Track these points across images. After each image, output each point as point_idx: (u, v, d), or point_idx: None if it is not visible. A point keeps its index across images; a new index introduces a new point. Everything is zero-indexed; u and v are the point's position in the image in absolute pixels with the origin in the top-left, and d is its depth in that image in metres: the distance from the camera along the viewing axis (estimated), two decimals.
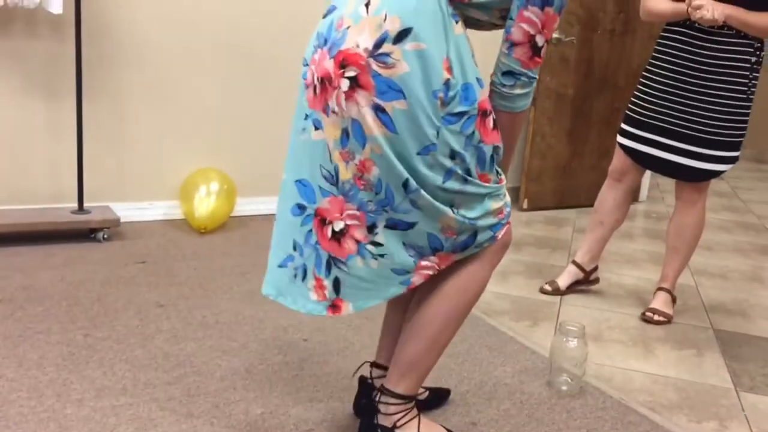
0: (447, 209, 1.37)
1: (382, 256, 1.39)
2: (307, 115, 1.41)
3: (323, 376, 1.93)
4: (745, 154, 6.52)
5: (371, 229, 1.38)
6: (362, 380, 1.72)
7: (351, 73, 1.30)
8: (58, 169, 3.05)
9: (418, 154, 1.32)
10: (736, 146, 2.43)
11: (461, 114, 1.34)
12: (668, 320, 2.53)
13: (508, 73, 1.36)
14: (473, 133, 1.36)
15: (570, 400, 1.91)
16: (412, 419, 1.54)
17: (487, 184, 1.41)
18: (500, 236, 1.47)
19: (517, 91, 1.37)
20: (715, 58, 2.33)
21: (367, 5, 1.31)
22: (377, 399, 1.55)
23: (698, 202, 2.53)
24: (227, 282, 2.58)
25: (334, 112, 1.34)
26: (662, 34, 2.47)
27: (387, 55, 1.27)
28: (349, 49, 1.30)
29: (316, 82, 1.37)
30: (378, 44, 1.28)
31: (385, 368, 1.65)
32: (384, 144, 1.31)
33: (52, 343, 2.00)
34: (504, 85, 1.37)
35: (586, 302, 2.69)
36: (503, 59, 1.36)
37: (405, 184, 1.33)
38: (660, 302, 2.58)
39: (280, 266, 1.51)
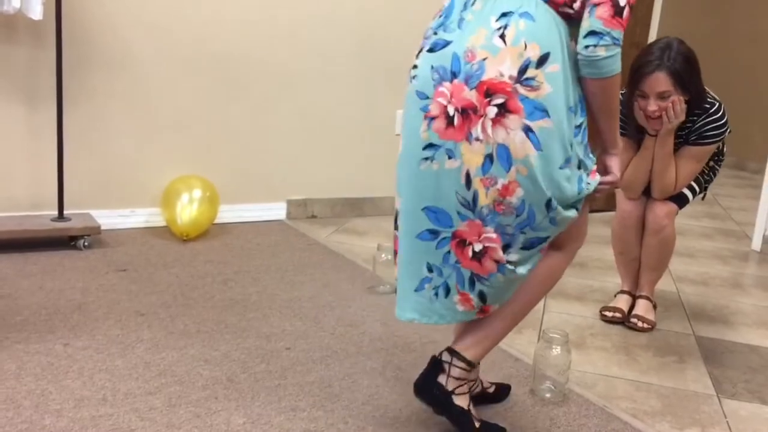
0: (575, 213, 1.52)
1: (517, 270, 1.53)
2: (432, 145, 1.48)
3: (306, 385, 1.91)
4: (726, 161, 6.60)
5: (505, 248, 1.50)
6: (434, 359, 1.69)
7: (498, 101, 1.39)
8: (38, 176, 3.02)
9: (560, 168, 1.44)
10: (710, 176, 2.63)
11: (580, 125, 1.48)
12: (651, 327, 2.54)
13: (591, 34, 1.40)
14: (587, 144, 1.52)
15: (553, 407, 1.91)
16: (467, 392, 1.64)
17: (595, 178, 1.55)
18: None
19: (601, 53, 1.40)
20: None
21: (502, 37, 1.40)
22: (446, 360, 1.62)
23: (670, 223, 2.55)
24: (209, 290, 2.56)
25: (478, 139, 1.42)
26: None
27: (532, 79, 1.39)
28: (492, 78, 1.39)
29: (451, 113, 1.44)
30: (522, 70, 1.39)
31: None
32: (532, 163, 1.41)
33: (30, 353, 1.97)
34: (587, 47, 1.41)
35: (569, 309, 2.70)
36: (585, 22, 1.41)
37: (548, 204, 1.46)
38: (642, 309, 2.59)
39: (417, 290, 1.60)
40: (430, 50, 1.50)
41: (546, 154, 1.41)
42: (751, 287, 3.18)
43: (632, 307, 2.64)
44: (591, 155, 1.55)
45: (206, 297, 2.49)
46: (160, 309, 2.35)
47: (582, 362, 2.23)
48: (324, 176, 3.74)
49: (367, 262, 2.97)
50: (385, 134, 3.85)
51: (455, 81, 1.43)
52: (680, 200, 2.56)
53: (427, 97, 1.49)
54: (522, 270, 1.55)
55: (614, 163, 1.62)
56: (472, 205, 1.47)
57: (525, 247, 1.51)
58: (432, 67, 1.48)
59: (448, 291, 1.57)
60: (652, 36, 4.49)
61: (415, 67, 1.55)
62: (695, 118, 2.39)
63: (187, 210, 3.07)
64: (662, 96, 2.28)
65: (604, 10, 1.39)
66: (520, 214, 1.46)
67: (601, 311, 2.62)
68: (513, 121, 1.39)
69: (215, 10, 3.27)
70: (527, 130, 1.39)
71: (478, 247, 1.50)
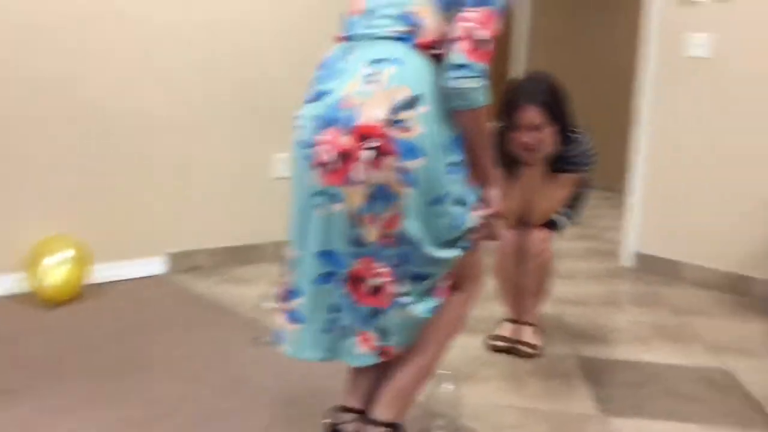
0: (458, 252, 1.56)
1: (413, 303, 1.55)
2: (320, 192, 1.51)
3: None
4: (597, 183, 6.96)
5: (399, 282, 1.53)
6: (331, 428, 1.68)
7: (373, 144, 1.43)
8: None
9: (434, 203, 1.48)
10: (580, 206, 2.74)
11: (458, 162, 1.53)
12: (537, 352, 2.60)
13: (455, 67, 1.47)
14: (465, 182, 1.56)
15: None
16: None
17: (478, 213, 1.60)
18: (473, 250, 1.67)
19: (466, 84, 1.46)
20: None
21: (374, 82, 1.46)
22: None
23: (546, 247, 2.63)
24: (83, 358, 2.39)
25: (357, 182, 1.45)
26: None
27: (405, 121, 1.43)
28: (366, 123, 1.43)
29: (330, 159, 1.47)
30: (394, 113, 1.43)
31: (358, 411, 1.68)
32: (408, 200, 1.46)
33: None
34: (452, 79, 1.47)
35: (458, 341, 2.71)
36: (448, 57, 1.48)
37: (426, 240, 1.50)
38: (527, 335, 2.64)
39: (325, 331, 1.61)
40: (312, 100, 1.56)
41: (420, 191, 1.46)
42: (626, 303, 3.33)
43: (517, 335, 2.69)
44: (473, 192, 1.60)
45: (79, 366, 2.33)
46: (28, 385, 2.17)
47: (472, 394, 2.24)
48: (204, 226, 3.63)
49: (253, 312, 2.88)
50: (262, 179, 3.79)
51: (333, 128, 1.48)
52: (555, 226, 2.66)
53: (310, 146, 1.53)
54: (419, 309, 1.56)
55: (493, 195, 1.67)
56: (362, 243, 1.51)
57: (413, 279, 1.54)
58: (313, 116, 1.53)
59: (348, 332, 1.59)
60: (515, 70, 4.69)
61: (299, 117, 1.58)
62: (566, 147, 2.49)
63: (55, 273, 2.88)
64: (534, 128, 2.37)
65: (465, 44, 1.46)
66: (402, 245, 1.50)
67: (488, 340, 2.66)
68: (388, 162, 1.44)
69: (84, 57, 3.13)
70: (402, 170, 1.44)
71: (372, 282, 1.53)
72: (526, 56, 6.60)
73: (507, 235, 2.67)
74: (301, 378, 2.27)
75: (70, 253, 2.96)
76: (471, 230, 1.60)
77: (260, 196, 3.78)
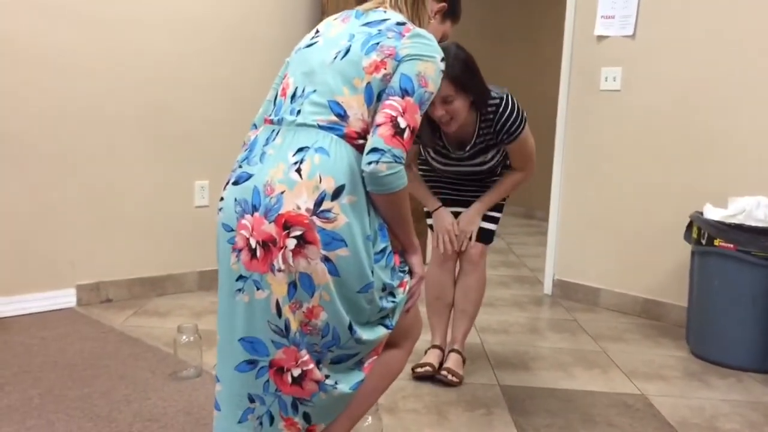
0: (382, 330, 1.57)
1: (338, 383, 1.54)
2: (242, 277, 1.48)
3: None
4: (516, 210, 7.10)
5: (325, 367, 1.52)
6: None
7: (297, 233, 1.42)
8: None
9: (359, 292, 1.47)
10: (503, 208, 2.73)
11: (384, 250, 1.53)
12: (460, 381, 2.60)
13: (372, 150, 1.45)
14: (393, 264, 1.57)
15: None
16: None
17: (405, 288, 1.62)
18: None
19: (383, 169, 1.44)
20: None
21: (298, 171, 1.44)
22: None
23: (481, 262, 2.69)
24: None
25: (280, 270, 1.43)
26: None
27: (328, 211, 1.43)
28: (290, 211, 1.42)
29: (253, 245, 1.45)
30: (318, 203, 1.42)
31: None
32: (331, 289, 1.44)
33: None
34: (369, 163, 1.44)
35: None
36: (369, 141, 1.47)
37: (350, 327, 1.49)
38: (453, 362, 2.64)
39: (240, 422, 1.56)
40: (235, 183, 1.53)
41: (344, 279, 1.45)
42: (546, 330, 3.38)
43: (442, 361, 2.69)
44: (399, 273, 1.61)
45: None
46: None
47: (395, 427, 2.21)
48: (118, 256, 3.49)
49: (169, 346, 2.78)
50: (183, 207, 3.69)
51: (256, 214, 1.46)
52: (488, 237, 2.68)
53: (232, 230, 1.51)
54: (344, 387, 1.55)
55: (416, 262, 1.67)
56: (285, 332, 1.48)
57: (334, 362, 1.53)
58: (235, 200, 1.51)
59: (272, 419, 1.55)
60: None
61: (222, 199, 1.56)
62: (491, 119, 2.48)
63: None
64: (446, 100, 2.36)
65: (385, 130, 1.45)
66: (325, 335, 1.49)
67: (412, 369, 2.64)
68: (312, 251, 1.42)
69: None
70: (325, 259, 1.43)
71: (296, 372, 1.50)
72: None
73: (439, 249, 2.68)
74: (212, 415, 2.19)
75: None
76: (399, 307, 1.61)
77: (179, 224, 3.68)
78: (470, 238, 2.64)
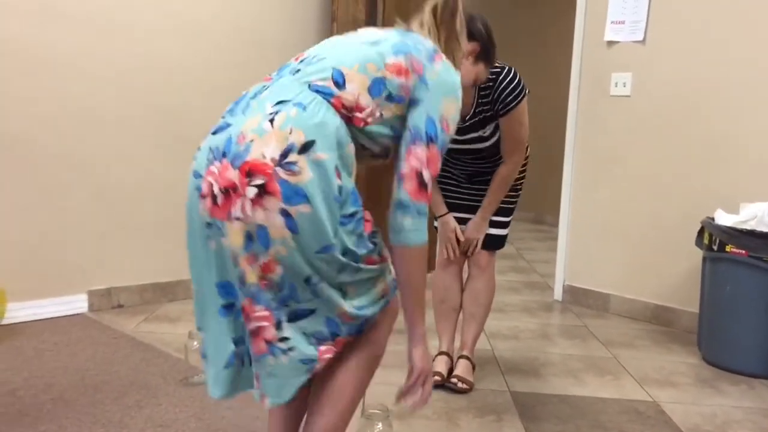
0: (341, 300, 1.48)
1: (291, 349, 1.47)
2: (209, 224, 1.46)
3: None
4: (526, 216, 7.09)
5: (278, 326, 1.46)
6: None
7: (258, 181, 1.37)
8: None
9: (317, 252, 1.41)
10: (512, 212, 2.71)
11: (353, 214, 1.47)
12: (470, 388, 2.59)
13: (399, 205, 1.50)
14: (362, 231, 1.49)
15: None
16: None
17: (374, 266, 1.52)
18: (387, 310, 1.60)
19: (408, 223, 1.50)
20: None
21: (271, 121, 1.42)
22: None
23: (489, 267, 2.69)
24: None
25: (237, 218, 1.40)
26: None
27: (293, 163, 1.38)
28: (256, 159, 1.38)
29: (216, 192, 1.42)
30: (284, 154, 1.38)
31: None
32: (289, 245, 1.39)
33: None
34: (396, 218, 1.50)
35: (389, 378, 2.68)
36: (394, 193, 1.51)
37: (307, 280, 1.43)
38: (462, 369, 2.64)
39: (226, 367, 1.55)
40: (214, 132, 1.51)
41: (302, 237, 1.40)
42: (557, 336, 3.37)
43: (451, 369, 2.68)
44: (369, 244, 1.51)
45: None
46: None
47: None
48: (129, 261, 3.51)
49: (180, 351, 2.79)
50: None
51: (224, 161, 1.43)
52: (497, 243, 2.68)
53: (201, 176, 1.48)
54: (294, 355, 1.46)
55: (417, 356, 1.61)
56: (241, 283, 1.45)
57: (291, 319, 1.47)
58: (210, 148, 1.48)
59: (248, 359, 1.54)
60: None
61: (199, 148, 1.53)
62: (490, 86, 2.44)
63: None
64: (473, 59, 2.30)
65: (411, 185, 1.50)
66: (282, 289, 1.44)
67: None
68: (271, 202, 1.38)
69: None
70: (284, 213, 1.38)
71: (251, 326, 1.47)
72: None
73: (445, 251, 2.68)
74: (229, 421, 2.19)
75: None
76: (368, 283, 1.53)
77: None
78: (476, 245, 2.64)
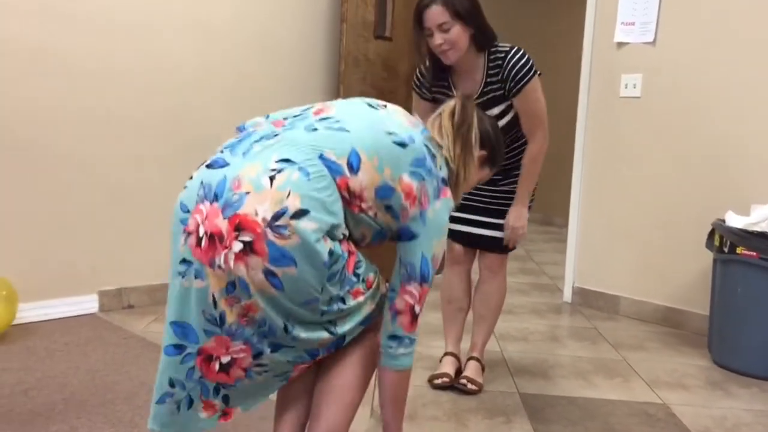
0: (324, 334, 1.50)
1: (266, 371, 1.52)
2: (185, 260, 1.44)
3: None
4: (535, 217, 7.08)
5: (257, 356, 1.49)
6: None
7: (246, 238, 1.36)
8: None
9: (300, 305, 1.43)
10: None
11: (339, 271, 1.46)
12: (479, 389, 2.59)
13: (393, 337, 1.57)
14: (346, 273, 1.49)
15: None
16: None
17: (360, 297, 1.54)
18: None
19: (401, 351, 1.57)
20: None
21: (272, 179, 1.39)
22: None
23: (500, 271, 2.68)
24: (6, 403, 2.27)
25: (220, 267, 1.39)
26: None
27: (284, 227, 1.36)
28: (247, 214, 1.36)
29: (201, 234, 1.41)
30: (276, 216, 1.36)
31: None
32: (271, 297, 1.40)
33: None
34: (390, 347, 1.57)
35: None
36: (389, 326, 1.57)
37: (285, 329, 1.45)
38: (472, 371, 2.64)
39: (158, 403, 1.55)
40: (209, 165, 1.48)
41: (287, 294, 1.40)
42: (566, 338, 3.37)
43: (459, 369, 2.68)
44: (352, 278, 1.51)
45: (2, 412, 2.20)
46: None
47: None
48: (139, 262, 3.52)
49: None
50: None
51: (214, 204, 1.40)
52: (499, 245, 2.62)
53: (188, 211, 1.46)
54: (269, 376, 1.54)
55: None
56: (219, 322, 1.44)
57: (274, 350, 1.49)
58: (201, 182, 1.45)
59: (191, 403, 1.53)
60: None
61: (191, 177, 1.51)
62: (500, 64, 2.41)
63: None
64: (443, 28, 2.31)
65: (405, 319, 1.56)
66: (262, 326, 1.45)
67: (429, 380, 2.64)
68: (255, 261, 1.37)
69: (9, 92, 3.03)
70: (269, 273, 1.37)
71: (225, 359, 1.48)
72: None
73: (460, 249, 2.67)
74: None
75: None
76: (353, 311, 1.54)
77: None
78: (521, 235, 2.57)
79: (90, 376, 2.56)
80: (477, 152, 1.71)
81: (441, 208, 1.58)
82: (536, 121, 2.51)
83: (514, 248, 2.67)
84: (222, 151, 1.50)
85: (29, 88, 3.10)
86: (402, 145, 1.52)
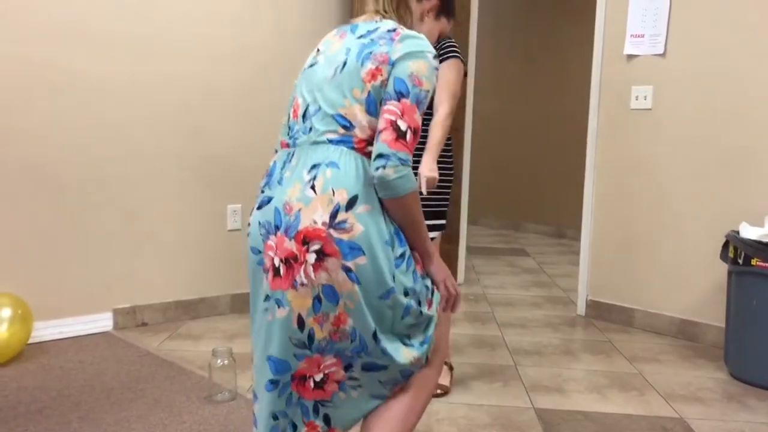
0: (402, 348, 1.57)
1: (360, 386, 1.59)
2: (268, 297, 1.55)
3: None
4: (547, 229, 7.05)
5: (347, 368, 1.57)
6: None
7: (316, 246, 1.47)
8: None
9: (380, 298, 1.49)
10: (443, 215, 2.59)
11: (403, 255, 1.54)
12: (445, 392, 2.66)
13: (378, 156, 1.48)
14: (414, 269, 1.57)
15: None
16: None
17: (431, 309, 1.60)
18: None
19: (390, 173, 1.47)
20: None
21: (313, 187, 1.50)
22: None
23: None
24: (22, 422, 2.28)
25: (303, 284, 1.48)
26: None
27: (344, 222, 1.47)
28: (307, 227, 1.48)
29: (278, 264, 1.52)
30: (333, 215, 1.47)
31: None
32: (354, 297, 1.48)
33: None
34: (377, 169, 1.48)
35: None
36: (374, 148, 1.50)
37: (375, 335, 1.52)
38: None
39: None
40: (258, 207, 1.61)
41: (365, 286, 1.48)
42: (580, 352, 3.35)
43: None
44: (425, 282, 1.61)
45: (21, 430, 2.21)
46: None
47: None
48: (152, 280, 3.54)
49: (203, 369, 2.80)
50: (215, 231, 3.74)
51: (278, 233, 1.52)
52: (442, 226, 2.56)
53: (260, 252, 1.58)
54: (363, 392, 1.60)
55: (435, 270, 1.66)
56: (308, 343, 1.53)
57: (366, 369, 1.57)
58: (259, 223, 1.58)
59: (295, 428, 1.62)
60: (467, 113, 4.75)
61: (249, 224, 1.64)
62: (437, 44, 2.39)
63: None
64: None
65: (387, 135, 1.49)
66: (353, 340, 1.53)
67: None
68: (331, 263, 1.47)
69: (28, 111, 3.07)
70: (346, 269, 1.47)
71: (318, 377, 1.57)
72: (479, 103, 6.75)
73: None
74: None
75: (10, 311, 2.84)
76: (427, 323, 1.61)
77: (212, 248, 3.72)
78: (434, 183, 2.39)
79: (105, 394, 2.57)
80: (416, 4, 1.77)
81: (404, 44, 1.56)
82: (447, 93, 2.40)
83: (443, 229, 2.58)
84: (263, 191, 1.62)
85: (43, 109, 3.14)
86: (344, 63, 1.58)
